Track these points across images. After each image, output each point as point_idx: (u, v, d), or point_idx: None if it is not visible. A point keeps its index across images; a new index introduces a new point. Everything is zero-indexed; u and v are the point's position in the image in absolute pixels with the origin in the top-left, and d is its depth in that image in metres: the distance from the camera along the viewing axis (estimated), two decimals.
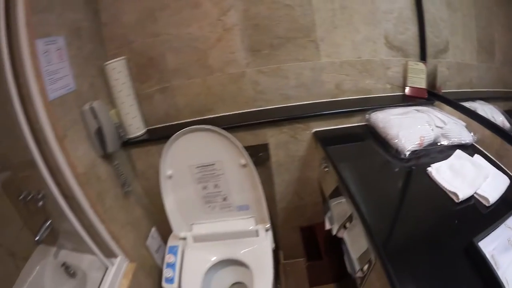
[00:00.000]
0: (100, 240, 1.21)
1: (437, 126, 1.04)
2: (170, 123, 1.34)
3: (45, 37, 0.97)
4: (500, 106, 0.97)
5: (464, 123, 1.05)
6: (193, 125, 1.17)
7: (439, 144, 1.00)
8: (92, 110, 1.13)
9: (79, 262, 1.36)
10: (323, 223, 1.46)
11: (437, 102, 1.22)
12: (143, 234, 1.42)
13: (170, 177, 1.25)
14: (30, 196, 1.26)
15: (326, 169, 1.17)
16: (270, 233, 1.30)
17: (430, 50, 1.22)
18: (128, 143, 1.30)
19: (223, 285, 1.37)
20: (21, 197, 1.26)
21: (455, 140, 0.99)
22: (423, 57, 1.24)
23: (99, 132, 1.16)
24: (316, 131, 1.25)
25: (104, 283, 1.19)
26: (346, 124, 1.24)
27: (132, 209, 1.37)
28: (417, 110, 1.15)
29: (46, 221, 1.29)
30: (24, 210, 1.33)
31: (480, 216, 0.73)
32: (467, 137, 0.99)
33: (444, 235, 0.69)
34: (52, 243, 1.39)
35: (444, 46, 1.19)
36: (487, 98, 1.03)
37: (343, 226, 1.03)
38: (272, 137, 1.26)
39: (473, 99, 1.08)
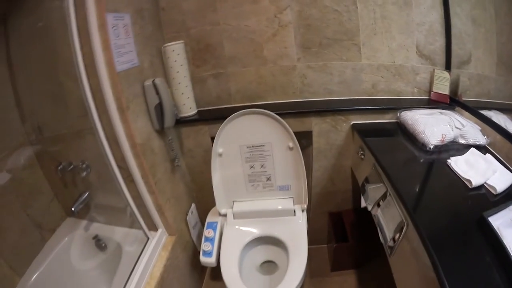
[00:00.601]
0: (144, 212, 1.28)
1: (456, 127, 1.19)
2: (221, 106, 1.44)
3: (114, 13, 1.03)
4: None
5: (479, 127, 1.19)
6: (243, 109, 1.28)
7: (457, 142, 1.15)
8: (155, 85, 1.21)
9: (111, 235, 1.39)
10: (350, 210, 1.60)
11: (457, 108, 1.37)
12: (183, 209, 1.49)
13: (220, 154, 1.35)
14: (70, 167, 1.29)
15: (362, 156, 1.30)
16: (305, 214, 1.41)
17: (454, 60, 1.36)
18: (180, 122, 1.39)
19: (255, 262, 1.46)
20: (60, 167, 1.28)
21: (471, 140, 1.14)
22: (448, 66, 1.39)
23: (159, 107, 1.24)
24: (354, 123, 1.38)
25: (144, 254, 1.25)
26: (380, 120, 1.38)
27: (177, 184, 1.45)
28: (440, 113, 1.31)
29: (83, 193, 1.34)
30: (58, 182, 1.35)
31: (488, 201, 0.87)
32: (481, 139, 1.14)
33: (460, 211, 0.84)
34: (82, 216, 1.41)
35: (467, 58, 1.34)
36: (502, 109, 1.15)
37: (377, 204, 1.16)
38: (316, 125, 1.39)
39: (489, 108, 1.21)
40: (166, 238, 1.39)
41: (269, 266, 1.48)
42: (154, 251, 1.29)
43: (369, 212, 1.44)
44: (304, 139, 1.43)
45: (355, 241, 1.49)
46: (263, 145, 1.33)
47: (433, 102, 1.41)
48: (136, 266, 1.19)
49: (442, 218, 0.82)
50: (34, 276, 1.21)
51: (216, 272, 1.79)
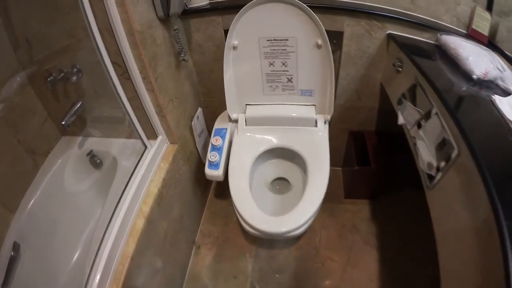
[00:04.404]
0: (142, 117, 1.12)
1: (497, 68, 1.04)
2: None
3: None
4: None
5: None
6: None
7: (496, 84, 0.99)
8: None
9: (107, 148, 1.24)
10: (373, 132, 1.45)
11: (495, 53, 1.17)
12: (188, 113, 1.33)
13: (235, 47, 1.16)
14: (60, 75, 1.10)
15: (399, 69, 1.13)
16: (327, 127, 1.26)
17: (495, 8, 1.15)
18: (189, 12, 1.18)
19: (266, 178, 1.33)
20: (49, 79, 1.10)
21: (511, 87, 0.98)
22: (489, 8, 1.18)
23: None
24: (390, 33, 1.19)
25: (140, 167, 1.10)
26: (417, 36, 1.19)
27: (182, 83, 1.27)
28: (482, 48, 1.14)
29: (75, 103, 1.15)
30: (50, 98, 1.18)
31: None
32: None
33: (502, 146, 0.71)
34: (76, 133, 1.26)
35: (508, 10, 1.14)
36: None
37: (417, 125, 1.00)
38: (349, 26, 1.18)
39: None
40: (167, 147, 1.24)
41: (281, 184, 1.36)
42: (152, 163, 1.15)
43: (394, 137, 1.30)
44: (332, 41, 1.23)
45: (377, 167, 1.35)
46: (287, 40, 1.14)
47: (472, 39, 1.22)
48: (130, 181, 1.06)
49: (494, 152, 0.68)
50: (26, 210, 1.09)
51: (222, 188, 1.70)
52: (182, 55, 1.19)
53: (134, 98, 1.07)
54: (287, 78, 1.21)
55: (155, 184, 1.11)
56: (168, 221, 1.18)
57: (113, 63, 0.98)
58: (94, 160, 1.25)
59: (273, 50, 1.16)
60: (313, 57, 1.15)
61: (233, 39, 1.15)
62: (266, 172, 1.31)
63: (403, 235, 1.40)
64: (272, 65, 1.19)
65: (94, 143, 1.27)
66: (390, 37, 1.17)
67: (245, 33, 1.13)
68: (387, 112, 1.36)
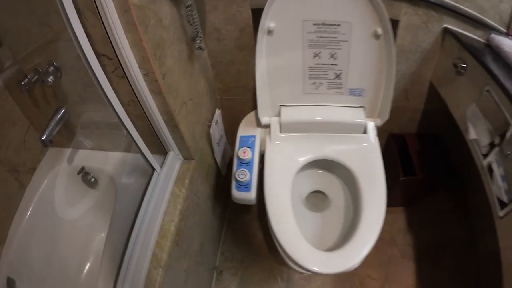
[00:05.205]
0: (145, 127, 0.84)
1: None
2: None
3: None
4: None
5: None
6: None
7: None
8: None
9: (102, 164, 1.01)
10: (414, 135, 1.28)
11: None
12: (204, 117, 1.05)
13: (270, 31, 0.89)
14: (35, 78, 0.84)
15: (463, 70, 0.94)
16: (376, 133, 1.04)
17: None
18: None
19: (301, 193, 1.10)
20: (23, 82, 0.83)
21: None
22: None
23: None
24: (447, 27, 1.00)
25: (149, 194, 0.84)
26: (471, 33, 1.01)
27: (197, 79, 0.98)
28: None
29: (57, 110, 0.90)
30: (29, 104, 0.94)
31: None
32: None
33: None
34: (66, 143, 1.03)
35: None
36: None
37: (493, 144, 0.80)
38: (406, 15, 0.96)
39: None
40: (180, 165, 0.97)
41: (316, 198, 1.12)
42: (164, 189, 0.88)
43: (433, 138, 1.25)
44: None
45: (423, 176, 1.16)
46: (339, 25, 0.88)
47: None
48: (138, 218, 0.80)
49: None
50: (16, 241, 0.92)
51: (237, 210, 1.44)
52: (198, 42, 0.90)
53: (133, 103, 0.78)
54: (335, 74, 0.96)
55: (170, 218, 0.85)
56: (189, 258, 0.95)
57: (100, 55, 0.68)
58: (87, 178, 1.02)
59: (321, 37, 0.90)
60: (369, 48, 0.91)
61: (268, 21, 0.87)
62: (301, 185, 1.07)
63: (437, 243, 1.33)
64: (317, 57, 0.93)
65: (86, 157, 1.04)
66: (447, 31, 1.00)
67: (285, 14, 0.87)
68: (430, 114, 1.22)
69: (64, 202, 1.03)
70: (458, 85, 0.97)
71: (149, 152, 0.85)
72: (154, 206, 0.81)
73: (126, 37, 0.66)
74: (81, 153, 1.04)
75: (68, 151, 1.04)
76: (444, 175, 1.20)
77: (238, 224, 1.41)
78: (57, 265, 0.99)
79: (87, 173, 1.01)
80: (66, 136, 1.00)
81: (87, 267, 1.04)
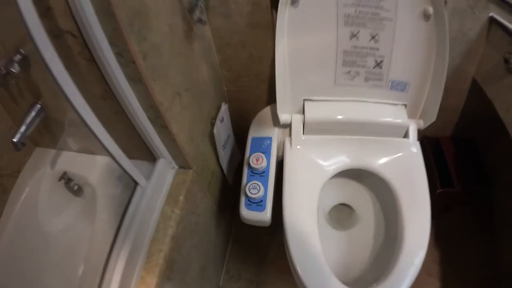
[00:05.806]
0: (122, 127, 0.65)
1: None
2: None
3: None
4: None
5: None
6: None
7: None
8: None
9: (85, 172, 0.86)
10: (449, 138, 1.12)
11: None
12: (206, 113, 0.84)
13: (295, 1, 0.69)
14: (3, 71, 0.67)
15: None
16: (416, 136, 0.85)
17: None
18: None
19: (324, 207, 0.91)
20: None
21: None
22: None
23: None
24: (492, 16, 0.86)
25: (130, 215, 0.66)
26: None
27: (197, 64, 0.78)
28: None
29: (33, 105, 0.77)
30: (7, 98, 0.79)
31: None
32: None
33: None
34: (51, 144, 0.90)
35: None
36: None
37: None
38: None
39: None
40: (174, 176, 0.77)
41: (340, 212, 0.94)
42: (149, 214, 0.69)
43: (468, 145, 1.11)
44: None
45: (462, 187, 0.99)
46: None
47: None
48: (115, 248, 0.61)
49: None
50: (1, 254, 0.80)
51: (243, 229, 1.24)
52: (197, 14, 0.69)
53: (108, 95, 0.59)
54: (376, 62, 0.77)
55: (159, 247, 0.65)
56: (186, 285, 0.77)
57: (64, 32, 0.51)
58: (70, 185, 0.87)
59: (360, 12, 0.72)
60: (416, 32, 0.73)
61: None
62: (324, 197, 0.87)
63: (463, 258, 1.22)
64: (355, 37, 0.74)
65: (71, 161, 0.90)
66: (493, 20, 0.86)
67: None
68: (469, 114, 1.07)
69: (47, 212, 0.89)
70: (510, 84, 0.83)
71: (127, 160, 0.63)
72: (137, 232, 0.61)
73: (91, 1, 0.46)
74: (66, 155, 0.89)
75: (52, 152, 0.90)
76: (477, 185, 1.05)
77: (245, 238, 1.25)
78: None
79: (70, 180, 0.85)
80: (49, 135, 0.86)
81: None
